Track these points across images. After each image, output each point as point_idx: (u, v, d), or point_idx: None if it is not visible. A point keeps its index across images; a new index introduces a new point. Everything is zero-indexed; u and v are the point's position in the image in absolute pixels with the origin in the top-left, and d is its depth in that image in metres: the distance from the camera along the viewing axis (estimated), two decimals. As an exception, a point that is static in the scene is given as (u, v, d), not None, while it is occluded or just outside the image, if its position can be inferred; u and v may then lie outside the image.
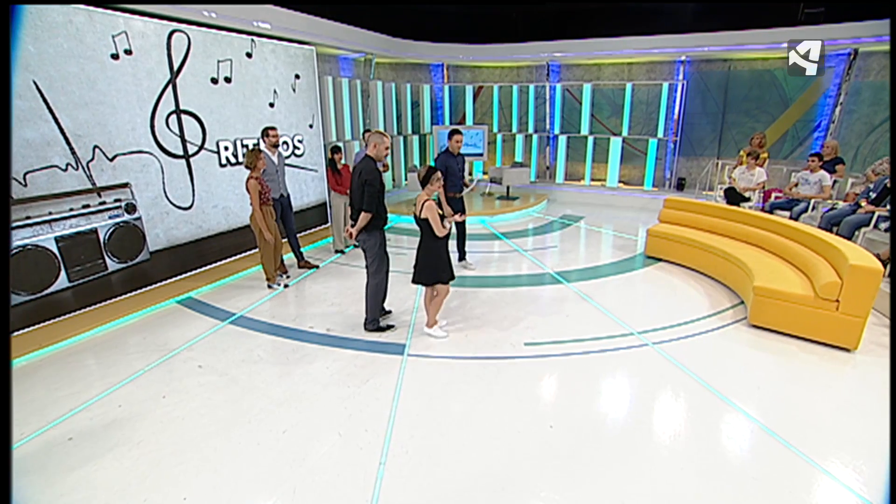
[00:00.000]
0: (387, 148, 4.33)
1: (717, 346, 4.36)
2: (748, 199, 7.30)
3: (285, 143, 7.32)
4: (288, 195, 6.01)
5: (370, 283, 4.50)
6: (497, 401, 3.49)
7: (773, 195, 7.53)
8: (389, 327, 4.63)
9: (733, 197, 7.34)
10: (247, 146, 6.72)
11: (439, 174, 4.08)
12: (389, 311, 4.94)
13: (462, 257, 6.39)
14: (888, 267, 5.00)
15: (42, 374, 3.93)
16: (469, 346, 4.32)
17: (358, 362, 4.03)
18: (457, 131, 5.83)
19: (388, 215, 4.53)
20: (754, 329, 4.62)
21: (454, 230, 5.26)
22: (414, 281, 4.27)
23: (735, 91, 9.62)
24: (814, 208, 6.63)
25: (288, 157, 7.35)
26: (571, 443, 3.06)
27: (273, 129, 5.76)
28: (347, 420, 3.26)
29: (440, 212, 4.07)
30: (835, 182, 6.95)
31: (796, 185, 6.95)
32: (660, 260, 6.69)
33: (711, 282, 5.87)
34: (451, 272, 4.32)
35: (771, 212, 6.84)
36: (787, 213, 6.75)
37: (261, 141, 5.84)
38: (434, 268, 4.21)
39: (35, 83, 4.52)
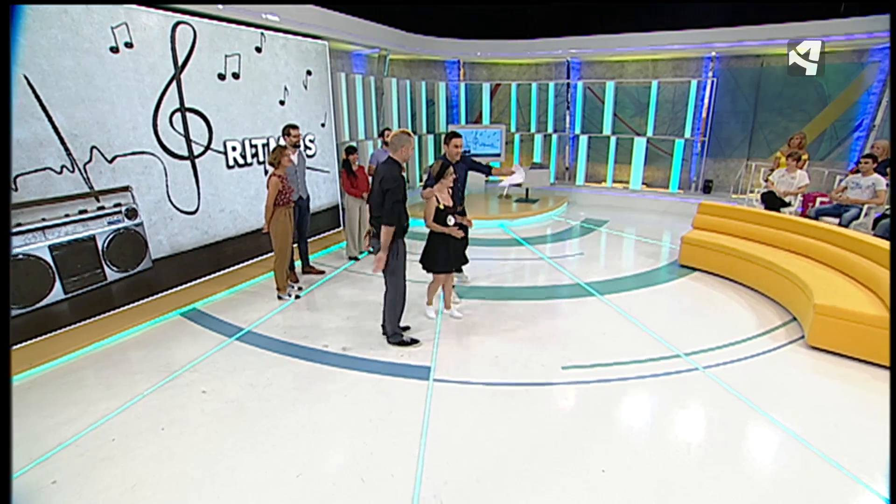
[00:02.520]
0: (413, 150, 3.98)
1: (775, 371, 3.91)
2: (788, 205, 6.83)
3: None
4: (307, 197, 5.65)
5: (388, 296, 4.12)
6: (537, 438, 3.08)
7: (818, 200, 7.04)
8: (414, 342, 4.25)
9: (772, 202, 6.87)
10: (255, 146, 6.35)
11: (452, 169, 4.18)
12: (407, 328, 4.55)
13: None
14: None
15: (32, 397, 3.57)
16: (500, 369, 3.91)
17: (379, 388, 3.63)
18: (455, 134, 4.82)
19: (409, 221, 4.14)
20: (814, 351, 4.16)
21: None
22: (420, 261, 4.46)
23: (768, 88, 9.11)
24: (866, 214, 6.15)
25: (312, 156, 6.99)
26: (626, 493, 2.64)
27: (295, 127, 5.39)
28: (370, 461, 2.86)
29: (440, 206, 4.18)
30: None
31: (845, 189, 6.46)
32: (695, 269, 6.24)
33: (755, 295, 5.41)
34: (447, 266, 4.41)
35: (816, 218, 6.36)
36: (836, 220, 6.26)
37: (281, 139, 5.48)
38: (427, 255, 4.42)
39: (26, 78, 4.15)
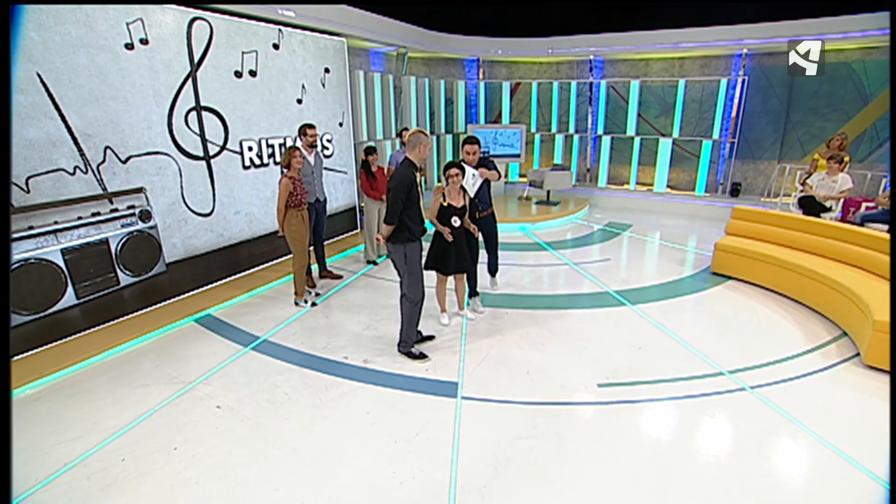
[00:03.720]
0: (430, 149, 3.77)
1: (831, 392, 3.60)
2: (829, 210, 6.45)
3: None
4: (324, 200, 5.45)
5: (404, 303, 3.91)
6: (578, 467, 2.82)
7: (864, 205, 6.66)
8: (423, 356, 4.00)
9: (811, 206, 6.50)
10: (272, 146, 6.16)
11: (454, 171, 4.14)
12: (432, 337, 4.33)
13: (472, 292, 5.00)
14: None
15: (41, 410, 3.40)
16: (534, 386, 3.65)
17: (403, 406, 3.40)
18: (467, 141, 4.56)
19: (425, 225, 3.95)
20: (872, 371, 3.84)
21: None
22: None
23: (802, 87, 8.71)
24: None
25: (330, 156, 6.79)
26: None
27: (311, 126, 5.18)
28: (398, 492, 2.62)
29: (443, 203, 4.13)
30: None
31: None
32: (729, 278, 5.92)
33: (797, 306, 5.09)
34: (437, 264, 4.33)
35: (862, 224, 5.99)
36: (884, 227, 5.89)
37: (298, 139, 5.28)
38: (429, 253, 4.34)
39: (39, 76, 3.99)
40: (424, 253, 4.20)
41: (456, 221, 4.20)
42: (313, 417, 3.27)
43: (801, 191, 7.22)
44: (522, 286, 5.70)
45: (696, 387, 3.66)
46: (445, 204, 4.17)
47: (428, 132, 3.78)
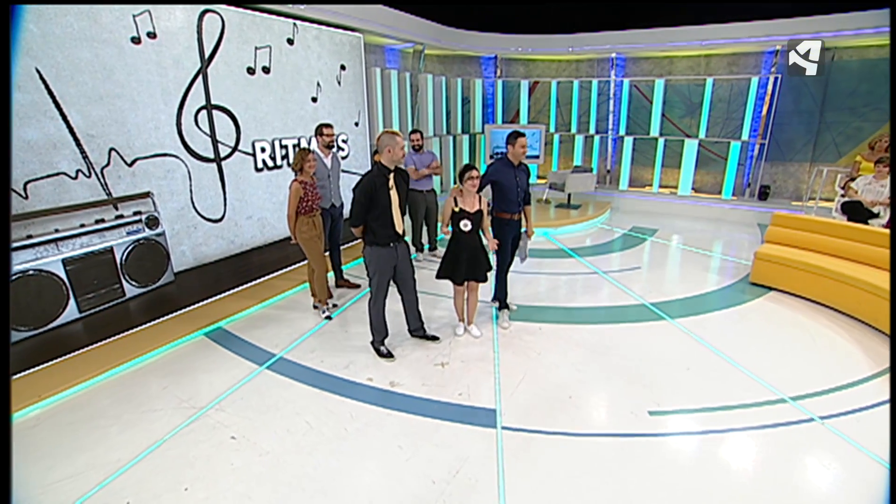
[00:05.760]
0: (402, 149, 3.62)
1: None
2: (877, 216, 6.06)
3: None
4: (341, 205, 5.12)
5: (369, 305, 3.92)
6: (646, 518, 2.47)
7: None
8: (389, 355, 4.00)
9: (857, 212, 6.11)
10: (286, 147, 5.84)
11: (474, 174, 3.92)
12: (437, 337, 4.26)
13: (501, 304, 4.76)
14: None
15: (37, 440, 3.08)
16: (579, 414, 3.31)
17: (439, 438, 3.06)
18: (519, 133, 4.33)
19: (397, 231, 3.75)
20: (954, 399, 3.47)
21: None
22: None
23: (838, 85, 8.29)
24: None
25: (345, 157, 6.46)
26: None
27: (328, 126, 4.84)
28: (441, 549, 2.29)
29: (455, 208, 3.97)
30: None
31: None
32: (771, 289, 5.55)
33: (851, 322, 4.72)
34: (447, 273, 4.16)
35: (915, 232, 5.59)
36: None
37: (313, 140, 4.95)
38: (442, 261, 4.17)
39: (38, 72, 3.68)
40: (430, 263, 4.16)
41: (466, 226, 4.00)
42: (340, 452, 2.94)
43: (843, 195, 6.84)
44: (554, 298, 5.35)
45: (758, 416, 3.30)
46: (457, 209, 3.99)
47: (399, 132, 3.51)
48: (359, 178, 3.67)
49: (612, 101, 10.20)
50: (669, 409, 3.38)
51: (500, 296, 4.67)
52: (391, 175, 3.61)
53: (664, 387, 3.64)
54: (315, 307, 4.81)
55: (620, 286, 5.66)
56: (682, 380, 3.74)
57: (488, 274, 4.27)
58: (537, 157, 9.54)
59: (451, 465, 2.82)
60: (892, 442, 2.80)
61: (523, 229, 4.65)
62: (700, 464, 2.85)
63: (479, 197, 4.10)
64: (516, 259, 4.69)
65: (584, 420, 3.24)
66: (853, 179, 6.66)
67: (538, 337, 4.40)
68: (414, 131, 5.66)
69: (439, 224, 6.03)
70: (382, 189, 3.57)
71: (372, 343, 4.11)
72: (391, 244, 3.72)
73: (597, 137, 10.44)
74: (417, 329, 4.25)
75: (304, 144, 6.00)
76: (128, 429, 3.18)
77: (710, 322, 4.76)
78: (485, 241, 4.25)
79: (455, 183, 9.20)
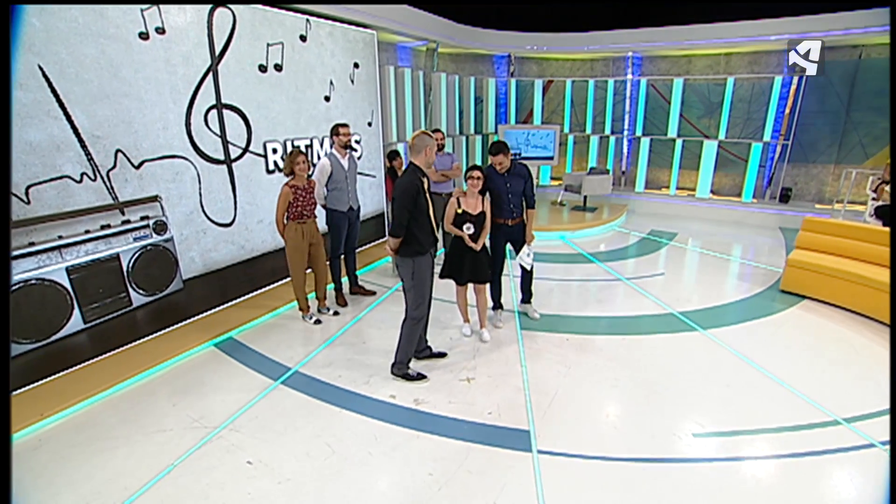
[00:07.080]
0: (435, 151, 3.47)
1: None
2: (913, 221, 5.81)
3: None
4: (358, 208, 4.89)
5: (406, 320, 3.60)
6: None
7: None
8: (420, 377, 3.66)
9: (892, 217, 5.86)
10: (298, 147, 5.62)
11: (475, 174, 3.94)
12: (444, 354, 4.00)
13: (495, 304, 4.67)
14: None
15: (40, 462, 2.87)
16: (618, 435, 3.08)
17: (470, 464, 2.83)
18: (500, 149, 4.17)
19: (436, 236, 3.56)
20: None
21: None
22: None
23: (866, 83, 8.02)
24: None
25: (358, 158, 6.24)
26: None
27: (345, 126, 4.62)
28: None
29: (458, 210, 3.95)
30: None
31: None
32: (803, 297, 5.31)
33: (896, 333, 4.47)
34: (452, 272, 4.12)
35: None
36: None
37: (328, 140, 4.74)
38: (445, 260, 4.17)
39: (41, 69, 3.46)
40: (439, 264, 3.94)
41: (469, 228, 3.95)
42: (365, 480, 2.72)
43: (874, 198, 6.59)
44: (577, 306, 5.12)
45: (812, 440, 3.07)
46: (460, 211, 3.95)
47: (432, 133, 3.32)
48: (370, 178, 3.45)
49: (628, 101, 9.94)
50: (714, 430, 3.15)
51: (494, 296, 4.60)
52: (425, 178, 3.40)
53: (705, 405, 3.41)
54: (303, 319, 4.65)
55: (646, 294, 5.42)
56: (724, 398, 3.51)
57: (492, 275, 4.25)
58: (551, 158, 9.29)
59: (487, 495, 2.59)
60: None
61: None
62: (755, 496, 2.62)
63: (483, 199, 4.04)
64: (523, 266, 4.48)
65: (626, 443, 3.01)
66: (886, 182, 6.41)
67: (566, 349, 4.17)
68: (436, 130, 5.45)
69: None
70: (421, 193, 3.35)
71: (397, 365, 3.69)
72: (431, 251, 3.51)
73: (612, 138, 10.19)
74: (423, 350, 3.92)
75: (316, 145, 5.78)
76: (135, 451, 2.96)
77: (743, 333, 4.53)
78: (487, 244, 4.18)
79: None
